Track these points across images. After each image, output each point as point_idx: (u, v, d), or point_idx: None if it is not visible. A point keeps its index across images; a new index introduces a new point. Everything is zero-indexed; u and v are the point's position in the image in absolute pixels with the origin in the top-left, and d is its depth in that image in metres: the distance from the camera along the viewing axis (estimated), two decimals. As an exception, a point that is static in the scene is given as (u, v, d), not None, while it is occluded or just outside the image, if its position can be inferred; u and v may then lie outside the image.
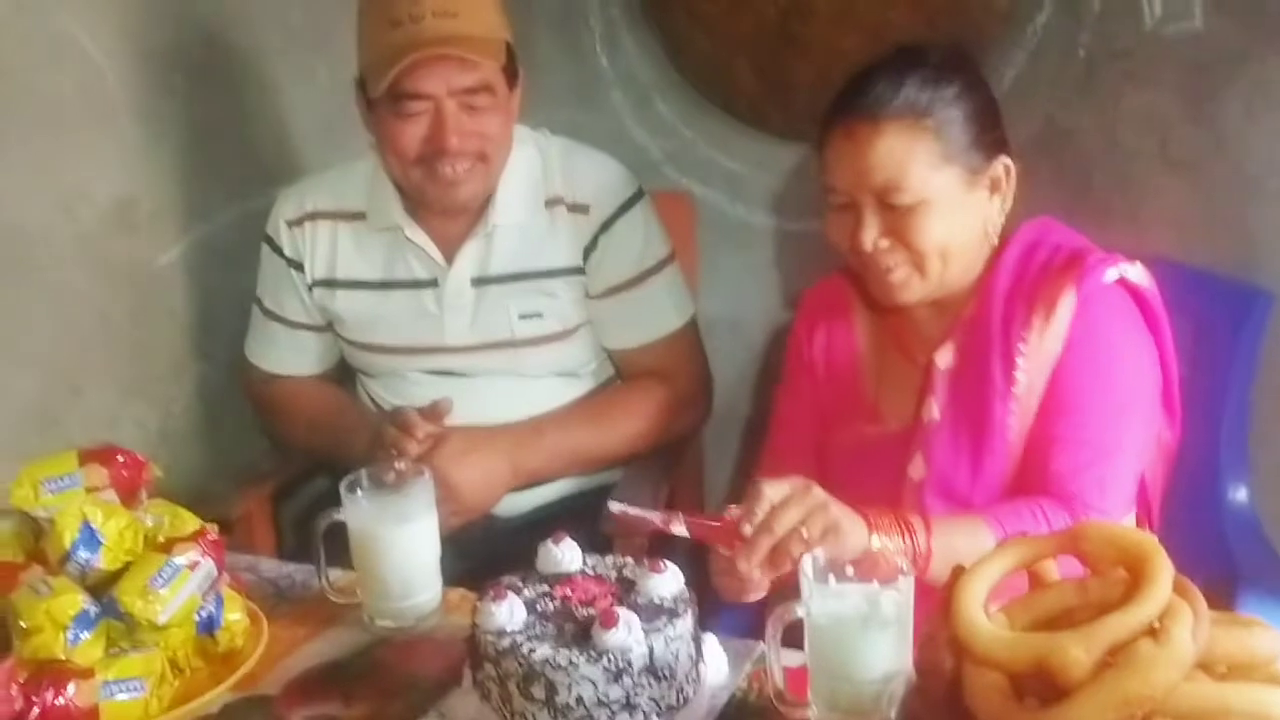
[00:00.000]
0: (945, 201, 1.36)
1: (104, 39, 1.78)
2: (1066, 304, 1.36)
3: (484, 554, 1.63)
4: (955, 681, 0.88)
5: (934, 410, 1.41)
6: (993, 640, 0.84)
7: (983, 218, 1.41)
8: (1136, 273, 1.41)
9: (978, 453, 1.38)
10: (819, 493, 1.19)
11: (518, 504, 1.77)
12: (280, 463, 1.98)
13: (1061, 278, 1.37)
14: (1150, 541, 0.87)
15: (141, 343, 1.90)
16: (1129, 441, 1.37)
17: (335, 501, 1.34)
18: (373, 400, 1.86)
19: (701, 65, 2.17)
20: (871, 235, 1.37)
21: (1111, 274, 1.39)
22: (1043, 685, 0.82)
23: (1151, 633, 0.81)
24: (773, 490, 1.18)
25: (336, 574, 1.37)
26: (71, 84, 1.75)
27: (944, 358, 1.42)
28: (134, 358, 1.89)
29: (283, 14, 2.10)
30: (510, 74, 1.66)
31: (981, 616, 0.86)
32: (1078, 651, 0.79)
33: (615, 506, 1.28)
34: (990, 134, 1.40)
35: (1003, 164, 1.40)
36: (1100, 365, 1.36)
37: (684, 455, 1.99)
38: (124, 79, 1.82)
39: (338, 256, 1.77)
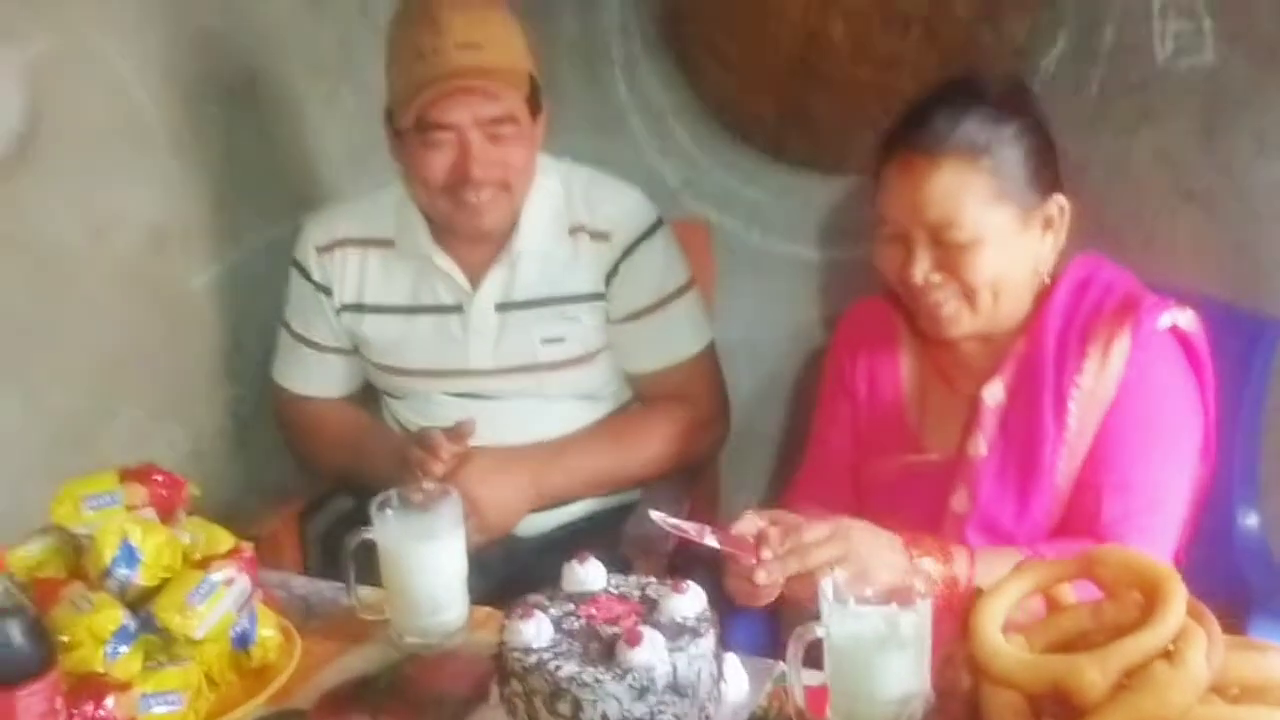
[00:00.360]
0: (998, 239, 1.37)
1: (142, 68, 1.83)
2: (1120, 349, 1.37)
3: (505, 573, 1.66)
4: (973, 702, 0.91)
5: (981, 445, 1.42)
6: (1011, 661, 0.87)
7: (1034, 254, 1.42)
8: (1187, 319, 1.42)
9: (1024, 491, 1.39)
10: (856, 538, 1.22)
11: (539, 524, 1.80)
12: (307, 482, 2.01)
13: (1117, 322, 1.39)
14: (1165, 567, 0.90)
15: (174, 364, 1.94)
16: (1176, 490, 1.39)
17: (359, 521, 1.38)
18: (397, 422, 1.89)
19: (720, 95, 2.21)
20: (923, 269, 1.38)
21: (1165, 320, 1.39)
22: (1059, 706, 0.84)
23: (1166, 655, 0.84)
24: (811, 533, 1.21)
25: (365, 591, 1.40)
26: (110, 112, 1.80)
27: (993, 394, 1.43)
28: (167, 379, 1.93)
29: (311, 46, 2.15)
30: (533, 104, 1.70)
31: (1000, 638, 0.89)
32: (1094, 673, 0.82)
33: (655, 515, 1.30)
34: (1046, 173, 1.41)
35: (1057, 203, 1.41)
36: (1152, 414, 1.38)
37: (702, 476, 2.02)
38: (161, 109, 1.87)
39: (366, 282, 1.81)
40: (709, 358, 1.88)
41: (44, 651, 1.00)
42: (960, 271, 1.37)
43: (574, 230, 1.77)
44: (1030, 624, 0.93)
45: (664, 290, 1.80)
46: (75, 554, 1.25)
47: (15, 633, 0.97)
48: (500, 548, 1.73)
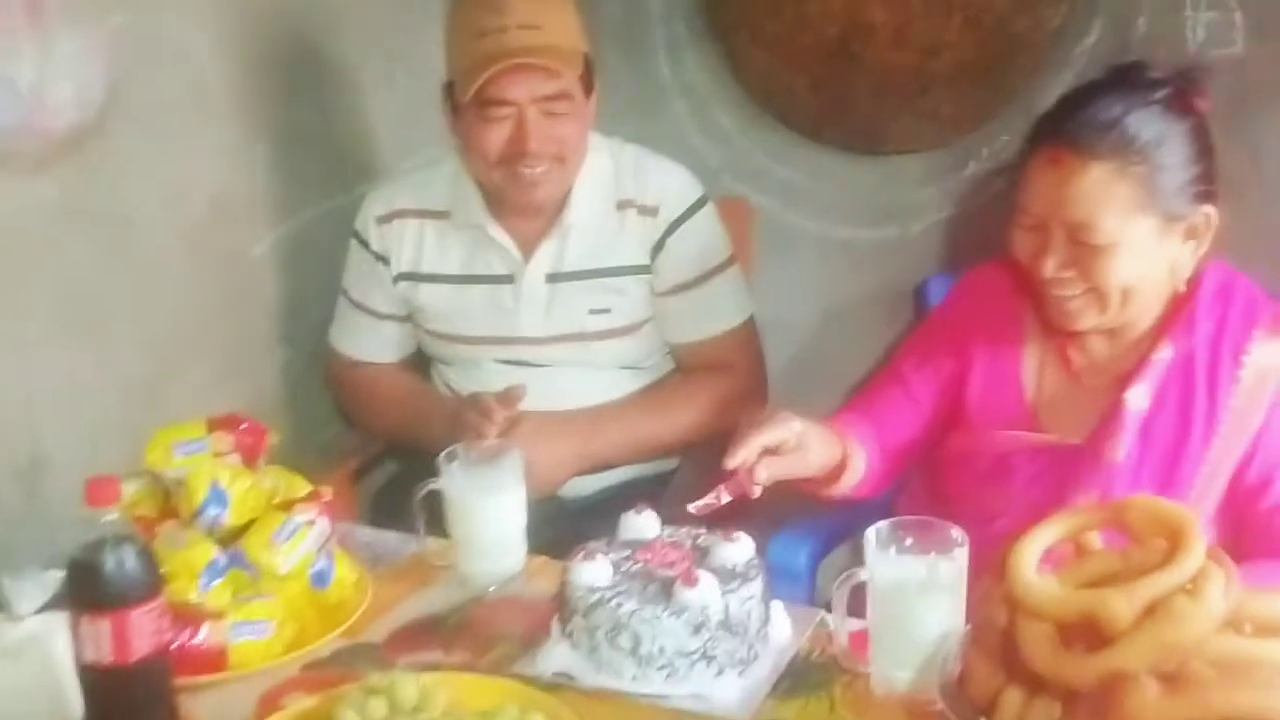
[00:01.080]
0: (1136, 245, 1.35)
1: (211, 44, 1.92)
2: (1277, 368, 1.38)
3: (550, 533, 1.74)
4: (1008, 634, 0.99)
5: (1120, 450, 1.40)
6: (1044, 595, 0.95)
7: (1172, 262, 1.39)
8: None
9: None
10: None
11: (582, 487, 1.88)
12: (359, 444, 2.11)
13: (1274, 342, 1.39)
14: (1188, 514, 0.98)
15: (235, 328, 2.03)
16: None
17: (408, 483, 1.47)
18: (448, 387, 1.98)
19: (761, 79, 2.28)
20: (1055, 264, 1.37)
21: None
22: (1088, 635, 0.92)
23: (1187, 592, 0.92)
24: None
25: (429, 540, 1.49)
26: (180, 87, 1.88)
27: (1137, 399, 1.41)
28: (228, 342, 2.02)
29: (366, 24, 2.23)
30: (587, 83, 1.78)
31: (1035, 575, 0.97)
32: (1121, 605, 0.90)
33: (693, 508, 1.34)
34: (1199, 183, 1.38)
35: (1204, 213, 1.38)
36: None
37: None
38: (226, 82, 1.96)
39: (422, 252, 1.89)
40: (749, 331, 1.95)
41: (152, 577, 1.08)
42: (1092, 273, 1.36)
43: (622, 205, 1.84)
44: (1061, 568, 1.01)
45: (707, 265, 1.88)
46: (165, 496, 1.34)
47: (129, 559, 1.06)
48: (545, 508, 1.80)
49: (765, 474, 1.33)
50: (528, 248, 1.84)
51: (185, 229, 1.92)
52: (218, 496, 1.29)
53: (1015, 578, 0.97)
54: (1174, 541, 0.95)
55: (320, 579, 1.33)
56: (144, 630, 1.06)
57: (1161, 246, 1.38)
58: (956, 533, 1.16)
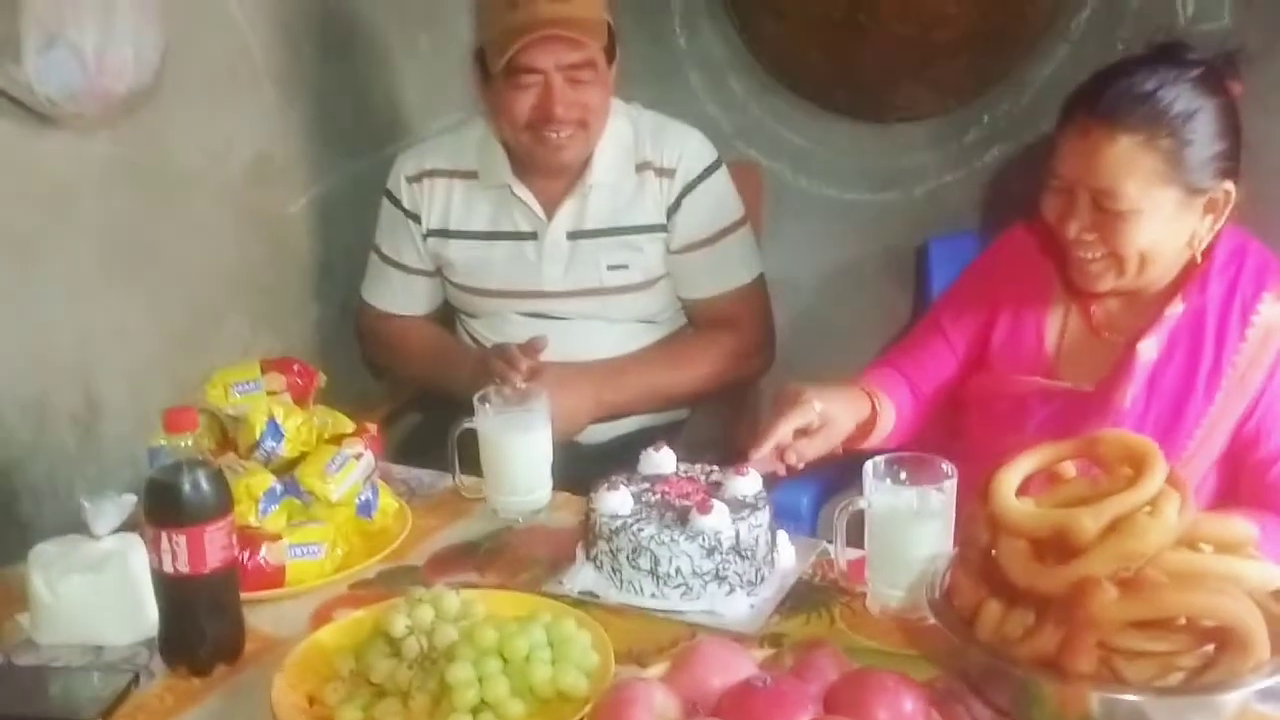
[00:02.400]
0: (1157, 214, 1.41)
1: (251, 12, 2.03)
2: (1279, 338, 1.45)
3: (567, 476, 1.86)
4: (989, 550, 1.11)
5: (1128, 398, 1.48)
6: (1020, 514, 1.07)
7: (1191, 232, 1.46)
8: None
9: (1160, 446, 1.44)
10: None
11: (598, 434, 2.00)
12: (385, 395, 2.23)
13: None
14: (1152, 445, 1.09)
15: (272, 281, 2.15)
16: None
17: (430, 432, 1.58)
18: (473, 339, 2.09)
19: (773, 48, 2.38)
20: (1078, 226, 1.44)
21: None
22: (1059, 550, 1.04)
23: (1147, 511, 1.04)
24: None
25: (462, 478, 1.61)
26: (224, 52, 2.00)
27: (1148, 350, 1.48)
28: (264, 294, 2.14)
29: (397, -1, 2.34)
30: (610, 52, 1.89)
31: (1014, 498, 1.09)
32: (1087, 521, 1.02)
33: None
34: (1223, 160, 1.43)
35: (1224, 189, 1.44)
36: None
37: (746, 400, 2.21)
38: (265, 48, 2.07)
39: (451, 209, 2.00)
40: (758, 289, 2.06)
41: (224, 497, 1.20)
42: (1113, 237, 1.43)
43: (641, 167, 1.95)
44: (1041, 493, 1.13)
45: (720, 224, 1.99)
46: (223, 431, 1.46)
47: (202, 480, 1.18)
48: (564, 453, 1.91)
49: (795, 457, 1.44)
50: (551, 206, 1.95)
51: (227, 187, 2.04)
52: (274, 431, 1.41)
53: (996, 500, 1.09)
54: (1139, 469, 1.07)
55: (366, 508, 1.45)
56: (216, 544, 1.19)
57: (1182, 217, 1.45)
58: (946, 465, 1.27)
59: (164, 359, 1.94)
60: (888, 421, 1.61)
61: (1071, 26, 2.13)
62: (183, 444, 1.19)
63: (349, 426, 1.49)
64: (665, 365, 2.02)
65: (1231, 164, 1.46)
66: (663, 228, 1.97)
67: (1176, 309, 1.50)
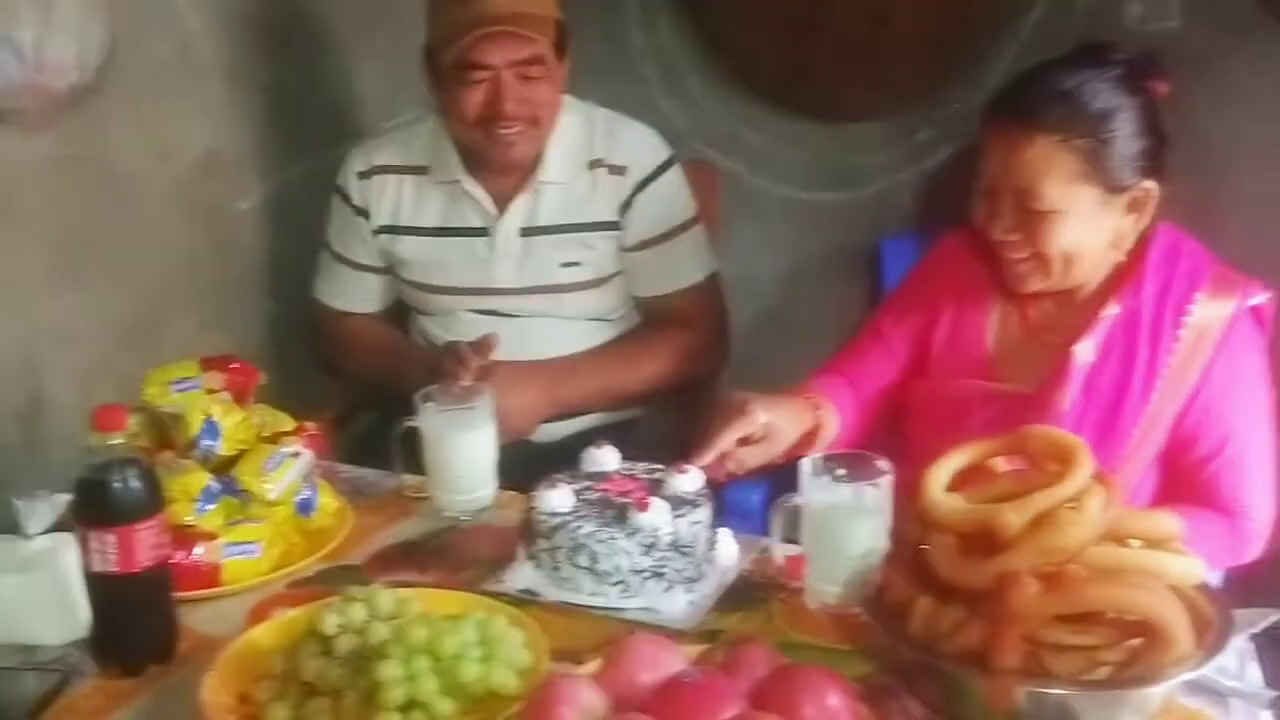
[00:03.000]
0: (1078, 213, 1.43)
1: (198, 7, 2.01)
2: (1216, 328, 1.47)
3: (519, 474, 1.86)
4: (920, 546, 1.11)
5: (1066, 401, 1.49)
6: (948, 510, 1.07)
7: (1114, 231, 1.48)
8: (1265, 300, 1.52)
9: (1098, 447, 1.43)
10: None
11: (552, 432, 1.99)
12: (337, 394, 2.21)
13: (1214, 299, 1.48)
14: (1078, 441, 1.10)
15: (221, 279, 2.13)
16: (1273, 453, 1.51)
17: (384, 430, 1.57)
18: (425, 337, 2.08)
19: (729, 47, 2.38)
20: (1003, 228, 1.47)
21: (1253, 302, 1.50)
22: (986, 544, 1.05)
23: (1070, 506, 1.04)
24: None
25: (405, 477, 1.60)
26: (170, 47, 1.98)
27: (1084, 352, 1.49)
28: (215, 292, 2.12)
29: (350, -8, 2.33)
30: (560, 48, 1.88)
31: (943, 495, 1.10)
32: (1012, 516, 1.02)
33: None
34: (1144, 158, 1.45)
35: (1145, 187, 1.46)
36: (1253, 391, 1.49)
37: (701, 398, 2.20)
38: (214, 43, 2.06)
39: (401, 206, 1.99)
40: (712, 287, 2.07)
41: (155, 496, 1.20)
42: (1036, 237, 1.45)
43: (593, 164, 1.95)
44: (970, 488, 1.13)
45: (673, 222, 1.99)
46: (161, 429, 1.45)
47: (133, 478, 1.17)
48: (516, 451, 1.90)
49: (735, 466, 1.46)
50: (502, 203, 1.95)
51: (176, 184, 2.02)
52: (211, 429, 1.40)
53: (925, 496, 1.09)
54: (1065, 464, 1.08)
55: (305, 506, 1.44)
56: (147, 543, 1.18)
57: (1103, 216, 1.46)
58: (882, 463, 1.28)
59: (112, 358, 1.92)
60: (831, 430, 1.61)
61: (1022, 26, 2.14)
62: (113, 442, 1.18)
63: (289, 425, 1.48)
64: (618, 364, 2.01)
65: (1153, 163, 1.47)
66: (615, 225, 1.97)
67: (1111, 311, 1.51)
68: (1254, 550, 1.50)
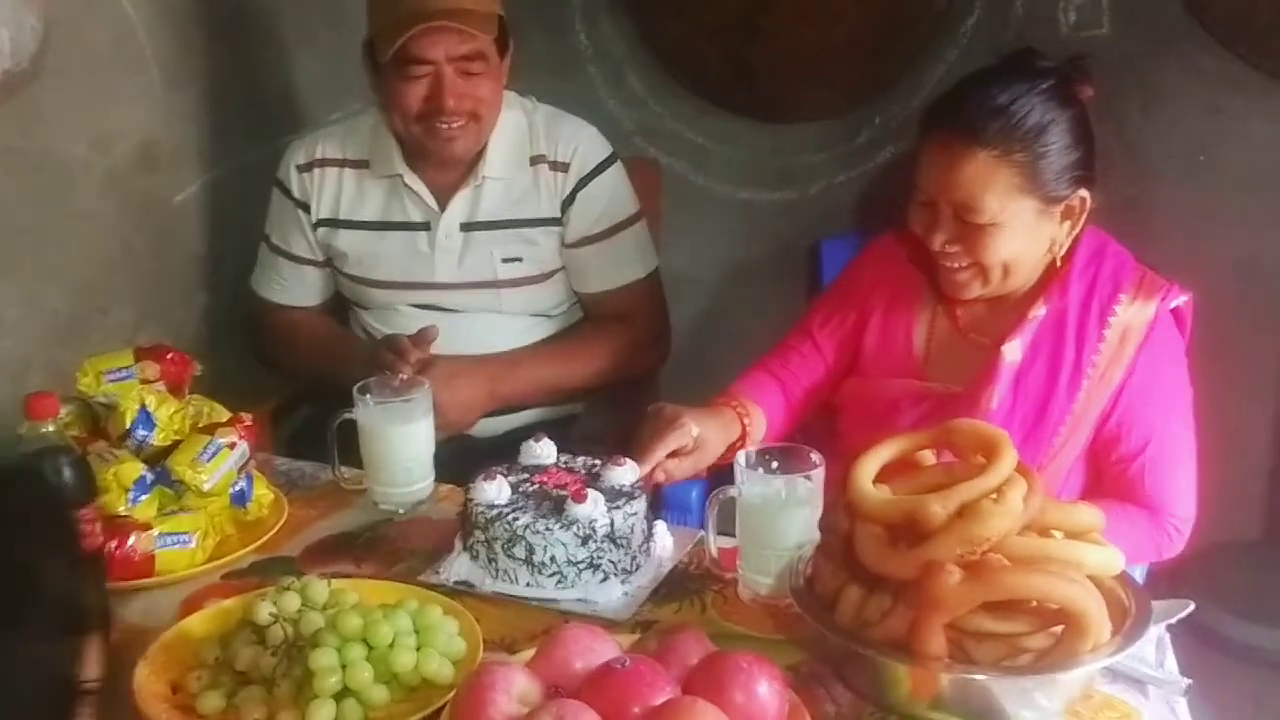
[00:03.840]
0: (1017, 224, 1.46)
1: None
2: (1139, 328, 1.51)
3: (460, 469, 1.86)
4: (848, 537, 1.13)
5: (994, 399, 1.52)
6: (875, 501, 1.10)
7: (1050, 239, 1.51)
8: (1185, 301, 1.56)
9: (1025, 446, 1.52)
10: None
11: (492, 427, 2.00)
12: (276, 386, 2.20)
13: (1137, 302, 1.51)
14: (1002, 435, 1.13)
15: (158, 271, 2.11)
16: (1193, 452, 1.55)
17: (323, 424, 1.57)
18: (365, 331, 2.07)
19: (672, 47, 2.40)
20: (942, 239, 1.49)
21: (1174, 304, 1.54)
22: (912, 534, 1.07)
23: (992, 498, 1.07)
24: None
25: (342, 469, 1.60)
26: (107, 36, 1.95)
27: (1012, 351, 1.52)
28: (151, 284, 2.10)
29: (292, -16, 2.32)
30: (501, 44, 1.89)
31: (870, 486, 1.12)
32: (936, 507, 1.05)
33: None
34: (1077, 169, 1.48)
35: (1080, 196, 1.49)
36: (1175, 391, 1.53)
37: (642, 393, 2.21)
38: (152, 33, 2.03)
39: (341, 199, 1.99)
40: (653, 283, 2.08)
41: (87, 483, 1.19)
42: (976, 249, 1.48)
43: (535, 160, 1.96)
44: (898, 480, 1.16)
45: (615, 219, 2.00)
46: (96, 420, 1.44)
47: (65, 467, 1.16)
48: (456, 446, 1.91)
49: (664, 477, 1.48)
50: (443, 197, 1.95)
51: (112, 174, 1.99)
52: (145, 419, 1.39)
53: (852, 487, 1.12)
54: (989, 457, 1.11)
55: (240, 498, 1.44)
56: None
57: (1041, 226, 1.50)
58: (815, 456, 1.30)
59: (45, 350, 1.90)
60: (758, 435, 1.64)
61: (960, 32, 2.18)
62: (45, 430, 1.17)
63: (224, 416, 1.48)
64: (559, 358, 2.02)
65: (1085, 172, 1.50)
66: (557, 221, 1.98)
67: (1039, 312, 1.55)
68: (1176, 546, 1.54)
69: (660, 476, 1.47)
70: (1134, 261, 1.58)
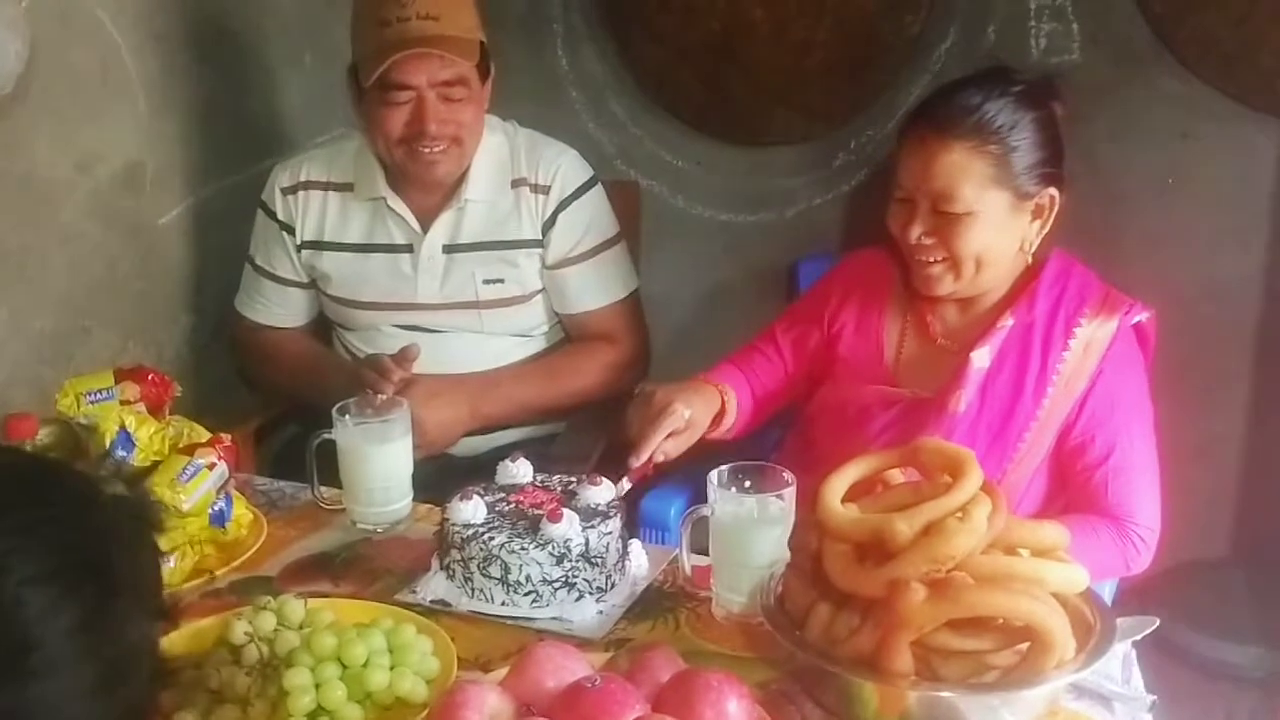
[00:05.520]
0: (990, 217, 1.54)
1: (121, 20, 2.01)
2: (1099, 346, 1.57)
3: (441, 487, 1.87)
4: (818, 555, 1.15)
5: (962, 403, 1.58)
6: (843, 519, 1.12)
7: (1021, 236, 1.59)
8: (1148, 317, 1.62)
9: (990, 450, 1.58)
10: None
11: (473, 446, 2.02)
12: (259, 406, 2.21)
13: (1100, 317, 1.58)
14: (968, 454, 1.15)
15: (142, 292, 2.12)
16: (1155, 460, 1.60)
17: (304, 444, 1.59)
18: (348, 351, 2.09)
19: (652, 71, 2.43)
20: (919, 231, 1.56)
21: (1135, 319, 1.60)
22: (878, 552, 1.09)
23: (958, 516, 1.09)
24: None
25: (321, 489, 1.61)
26: (93, 59, 1.97)
27: (981, 358, 1.59)
28: (135, 305, 2.11)
29: (276, 10, 2.34)
30: (483, 70, 1.91)
31: (838, 504, 1.14)
32: (902, 525, 1.07)
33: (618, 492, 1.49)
34: (1047, 167, 1.56)
35: (1050, 194, 1.57)
36: (1134, 400, 1.58)
37: (622, 411, 2.23)
38: (136, 56, 2.05)
39: (325, 221, 2.01)
40: (634, 304, 2.10)
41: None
42: (950, 240, 1.55)
43: (516, 183, 1.98)
44: (866, 499, 1.18)
45: (595, 241, 2.02)
46: (76, 441, 1.45)
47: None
48: (437, 465, 1.93)
49: (663, 457, 1.54)
50: (426, 220, 1.97)
51: (97, 195, 2.01)
52: (125, 440, 1.40)
53: (821, 506, 1.14)
54: (955, 476, 1.13)
55: (219, 518, 1.45)
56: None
57: (1013, 222, 1.57)
58: (787, 475, 1.32)
59: (28, 370, 1.91)
60: (733, 412, 1.70)
61: (933, 58, 2.22)
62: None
63: (204, 436, 1.49)
64: (540, 378, 2.04)
65: (1053, 171, 1.58)
66: (538, 243, 2.00)
67: (1007, 322, 1.61)
68: (1144, 558, 1.57)
69: (660, 458, 1.53)
70: (1099, 281, 1.65)
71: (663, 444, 1.54)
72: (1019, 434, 1.59)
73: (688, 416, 1.56)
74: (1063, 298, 1.60)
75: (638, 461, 1.50)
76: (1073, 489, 1.60)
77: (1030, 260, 1.63)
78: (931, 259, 1.58)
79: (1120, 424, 1.57)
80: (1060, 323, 1.59)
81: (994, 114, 1.52)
